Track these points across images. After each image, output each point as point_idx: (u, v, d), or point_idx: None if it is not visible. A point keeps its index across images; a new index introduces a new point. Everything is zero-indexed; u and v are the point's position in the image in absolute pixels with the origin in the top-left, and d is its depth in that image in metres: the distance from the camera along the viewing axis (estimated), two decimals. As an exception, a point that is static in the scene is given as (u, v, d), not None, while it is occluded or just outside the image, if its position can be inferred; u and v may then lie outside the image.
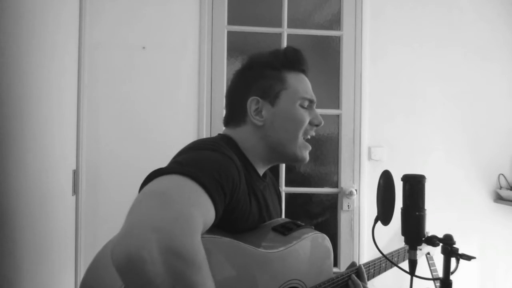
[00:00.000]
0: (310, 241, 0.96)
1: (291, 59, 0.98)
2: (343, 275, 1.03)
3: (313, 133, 0.99)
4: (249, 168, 0.94)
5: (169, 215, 0.57)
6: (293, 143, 0.95)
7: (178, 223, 0.57)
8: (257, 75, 0.96)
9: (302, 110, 0.95)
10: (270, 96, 0.94)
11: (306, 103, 0.97)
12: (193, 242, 0.57)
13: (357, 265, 1.09)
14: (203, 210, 0.65)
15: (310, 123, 0.97)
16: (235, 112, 0.97)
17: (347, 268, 1.08)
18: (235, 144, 0.94)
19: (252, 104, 0.93)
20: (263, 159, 0.97)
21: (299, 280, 0.92)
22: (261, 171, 0.99)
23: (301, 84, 0.97)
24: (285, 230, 0.93)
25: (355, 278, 1.04)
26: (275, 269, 0.86)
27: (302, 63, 0.99)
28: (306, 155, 0.98)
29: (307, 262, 0.94)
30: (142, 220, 0.56)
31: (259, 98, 0.93)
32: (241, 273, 0.79)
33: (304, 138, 0.97)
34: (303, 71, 1.00)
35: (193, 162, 0.73)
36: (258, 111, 0.94)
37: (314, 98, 0.99)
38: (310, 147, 0.99)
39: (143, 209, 0.59)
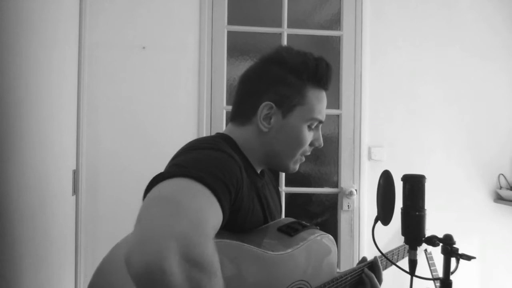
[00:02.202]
0: (316, 242, 0.96)
1: (320, 76, 0.93)
2: (352, 271, 1.05)
3: (309, 153, 0.98)
4: (248, 166, 0.93)
5: (183, 223, 0.56)
6: (289, 158, 0.95)
7: (193, 231, 0.56)
8: (280, 78, 0.92)
9: (307, 132, 0.94)
10: (285, 107, 0.91)
11: (314, 124, 0.95)
12: (209, 251, 0.57)
13: (367, 260, 1.11)
14: (213, 213, 0.64)
15: (311, 144, 0.96)
16: (245, 108, 0.95)
17: (358, 263, 1.10)
18: (234, 143, 0.93)
19: (264, 108, 0.91)
20: (259, 161, 0.97)
21: (304, 280, 0.92)
22: (258, 170, 0.99)
23: (319, 104, 0.94)
24: (291, 231, 0.93)
25: (368, 271, 1.07)
26: (282, 271, 0.86)
27: (329, 82, 0.96)
28: (297, 167, 0.99)
29: (312, 263, 0.95)
30: (156, 228, 0.55)
31: (273, 105, 0.91)
32: (247, 276, 0.79)
33: (300, 155, 0.97)
34: (326, 89, 0.97)
35: (194, 163, 0.71)
36: (267, 117, 0.92)
37: (324, 119, 0.97)
38: (303, 160, 0.99)
39: (155, 217, 0.57)
